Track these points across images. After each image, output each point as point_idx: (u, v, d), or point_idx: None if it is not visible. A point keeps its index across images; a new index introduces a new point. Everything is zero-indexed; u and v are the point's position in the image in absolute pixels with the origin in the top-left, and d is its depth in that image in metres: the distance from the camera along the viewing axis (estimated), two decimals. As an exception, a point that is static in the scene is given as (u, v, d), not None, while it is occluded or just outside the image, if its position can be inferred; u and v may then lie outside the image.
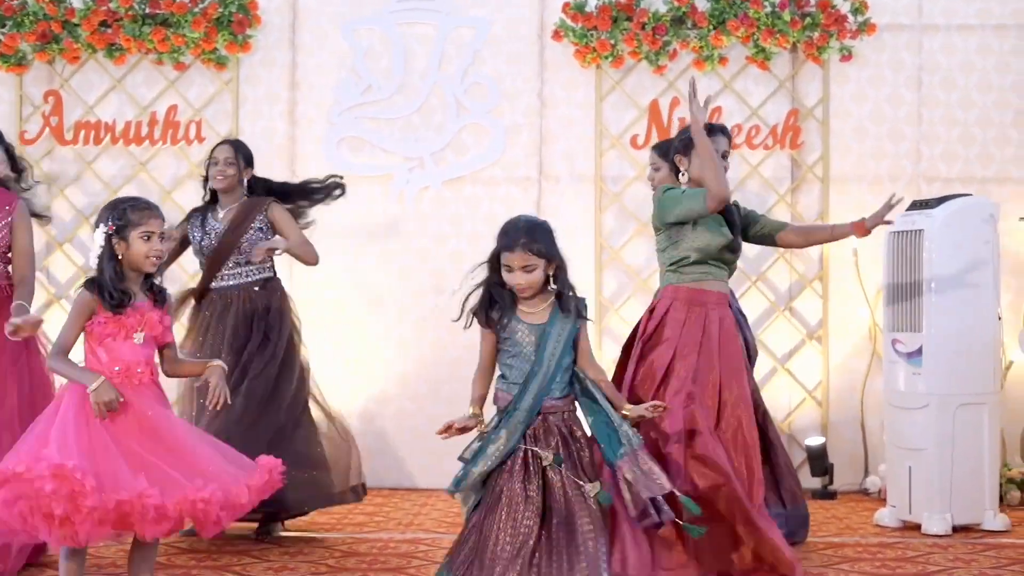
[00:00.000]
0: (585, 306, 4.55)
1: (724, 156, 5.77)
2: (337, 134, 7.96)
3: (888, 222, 5.67)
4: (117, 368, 4.42)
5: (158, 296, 4.57)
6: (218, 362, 4.62)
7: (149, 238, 4.49)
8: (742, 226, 5.62)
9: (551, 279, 4.48)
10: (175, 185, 7.89)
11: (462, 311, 4.52)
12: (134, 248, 4.48)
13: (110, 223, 4.49)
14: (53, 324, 7.87)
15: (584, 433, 4.51)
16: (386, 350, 7.93)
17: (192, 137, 7.93)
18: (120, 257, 4.49)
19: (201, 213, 6.45)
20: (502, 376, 4.52)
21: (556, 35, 7.81)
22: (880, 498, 7.39)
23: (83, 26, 7.77)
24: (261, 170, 7.72)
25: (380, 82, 7.97)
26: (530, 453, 4.37)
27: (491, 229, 7.81)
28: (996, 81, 7.87)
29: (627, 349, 5.37)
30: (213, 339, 6.20)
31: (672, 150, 5.54)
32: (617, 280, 7.93)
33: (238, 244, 6.26)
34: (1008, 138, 7.87)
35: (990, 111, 7.87)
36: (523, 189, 7.93)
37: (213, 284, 6.32)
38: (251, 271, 6.31)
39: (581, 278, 7.65)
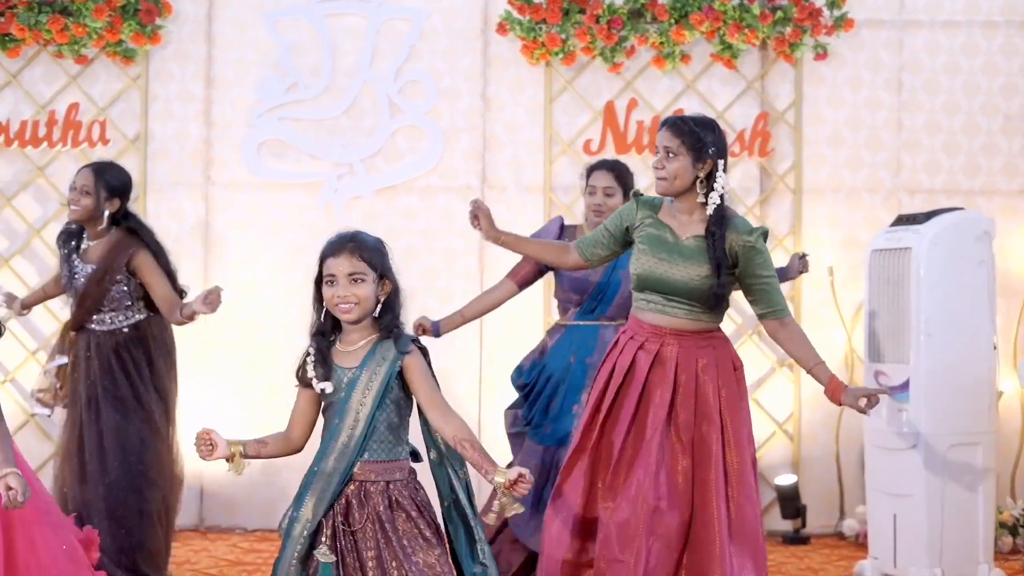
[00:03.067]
0: (409, 339, 3.66)
1: (608, 193, 5.40)
2: (258, 137, 7.18)
3: (874, 401, 4.35)
4: None
5: None
6: (8, 470, 3.62)
7: None
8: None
9: (379, 308, 3.64)
10: (75, 192, 7.07)
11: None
12: None
13: None
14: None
15: (424, 499, 3.63)
16: (311, 377, 7.14)
17: (96, 139, 7.13)
18: None
19: (73, 239, 5.69)
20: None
21: (501, 28, 7.05)
22: (859, 543, 6.70)
23: (-29, 14, 6.96)
24: (174, 176, 7.04)
25: (306, 80, 7.19)
26: (316, 555, 3.55)
27: (429, 244, 7.19)
28: (984, 84, 7.17)
29: None
30: (76, 382, 5.59)
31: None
32: (568, 301, 7.18)
33: (101, 299, 5.55)
34: (997, 147, 7.17)
35: (977, 117, 7.17)
36: (464, 199, 7.09)
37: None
38: (118, 317, 5.58)
39: (528, 300, 7.03)
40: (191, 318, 5.43)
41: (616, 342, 4.42)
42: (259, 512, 7.09)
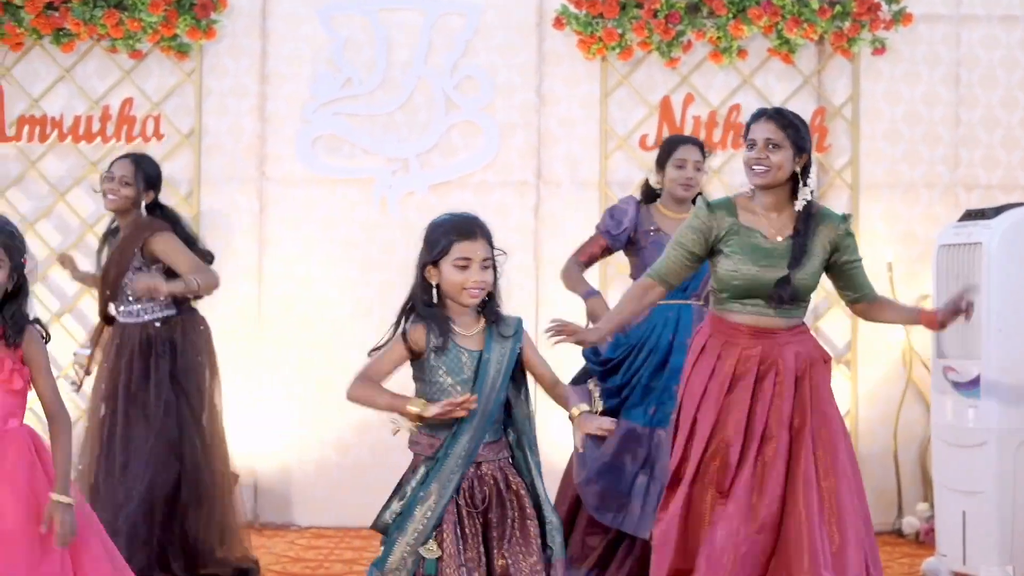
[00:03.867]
0: (517, 319, 3.70)
1: (698, 168, 5.43)
2: (312, 132, 7.14)
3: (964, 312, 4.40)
4: None
5: (8, 332, 3.65)
6: (65, 499, 3.61)
7: None
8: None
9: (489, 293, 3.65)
10: (130, 188, 7.03)
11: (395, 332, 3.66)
12: None
13: None
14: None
15: (521, 482, 3.63)
16: (365, 373, 7.10)
17: (150, 134, 7.09)
18: None
19: (112, 236, 5.70)
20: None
21: (557, 23, 7.01)
22: (918, 541, 6.65)
23: (26, 8, 6.91)
24: (227, 171, 7.00)
25: (360, 75, 7.15)
26: (421, 551, 3.50)
27: (483, 240, 7.15)
28: (1042, 78, 7.13)
29: None
30: (106, 375, 5.53)
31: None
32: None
33: (118, 286, 5.51)
34: (1054, 141, 7.13)
35: (1034, 111, 7.13)
36: (519, 194, 7.13)
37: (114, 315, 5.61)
38: (144, 309, 5.52)
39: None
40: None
41: (704, 347, 4.33)
42: (312, 509, 7.06)
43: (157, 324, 5.51)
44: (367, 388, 3.62)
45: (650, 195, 5.58)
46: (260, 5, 7.15)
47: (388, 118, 7.16)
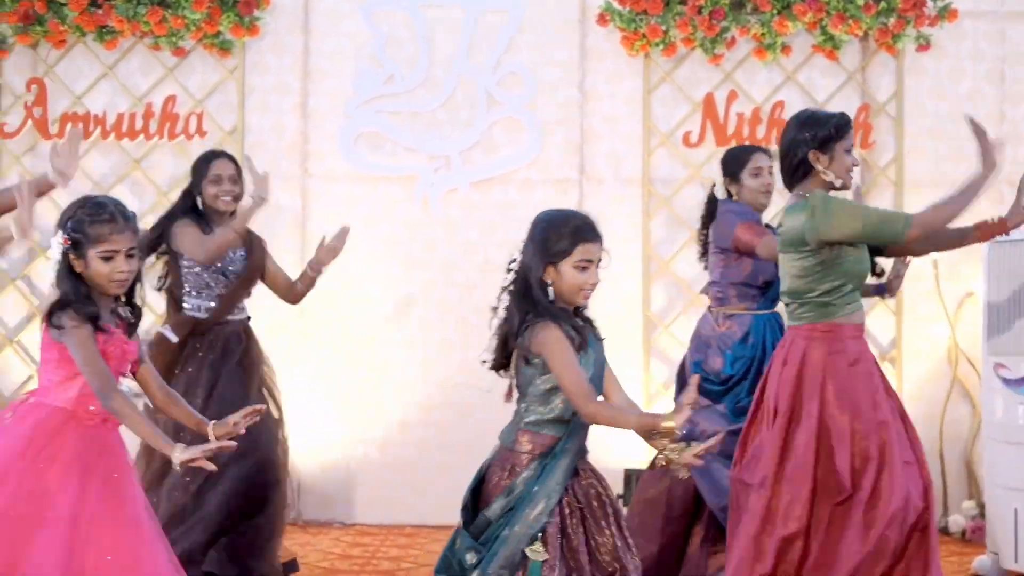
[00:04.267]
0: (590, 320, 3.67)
1: (771, 172, 5.30)
2: (354, 129, 7.13)
3: None
4: (92, 408, 3.61)
5: (131, 325, 3.72)
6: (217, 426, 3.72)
7: (111, 258, 3.62)
8: None
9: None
10: (173, 185, 7.02)
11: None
12: (93, 268, 3.63)
13: (65, 235, 3.64)
14: (34, 341, 7.07)
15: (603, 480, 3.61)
16: (407, 371, 7.09)
17: (192, 131, 7.09)
18: (80, 274, 3.65)
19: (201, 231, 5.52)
20: (535, 413, 3.54)
21: (601, 19, 6.99)
22: (965, 539, 6.61)
23: (70, 5, 6.92)
24: (270, 168, 6.93)
25: (402, 72, 7.14)
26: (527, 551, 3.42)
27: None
28: (1088, 75, 7.09)
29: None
30: (191, 371, 5.40)
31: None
32: (667, 294, 7.11)
33: (252, 285, 5.57)
34: (1100, 138, 7.08)
35: (1081, 108, 7.09)
36: (562, 192, 7.10)
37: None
38: (241, 308, 5.55)
39: (627, 291, 6.98)
40: (313, 280, 5.51)
41: (845, 350, 4.34)
42: (354, 507, 7.05)
43: (237, 322, 5.50)
44: (607, 409, 3.52)
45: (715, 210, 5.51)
46: (303, 1, 7.15)
47: (430, 115, 7.15)
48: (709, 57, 7.01)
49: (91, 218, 3.62)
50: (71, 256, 3.63)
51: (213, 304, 5.41)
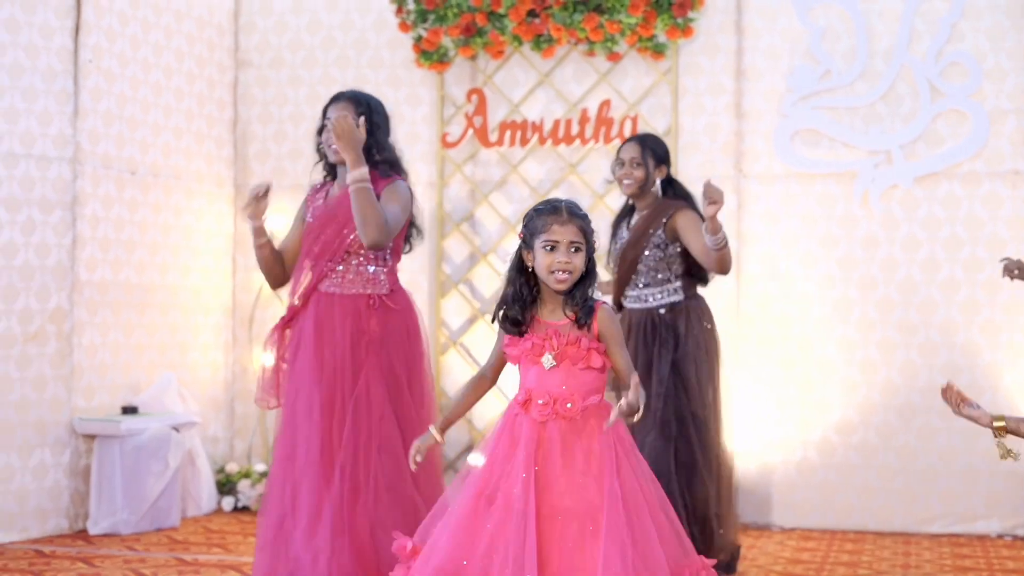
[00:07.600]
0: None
1: None
2: (790, 127, 7.01)
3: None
4: (541, 401, 3.63)
5: (580, 316, 3.70)
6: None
7: (552, 248, 3.66)
8: None
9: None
10: (608, 189, 7.11)
11: None
12: (537, 260, 3.69)
13: (521, 230, 3.75)
14: (475, 342, 7.33)
15: None
16: (847, 373, 6.92)
17: (627, 135, 7.12)
18: (531, 270, 3.72)
19: (624, 218, 5.73)
20: None
21: (1056, 2, 6.62)
22: None
23: (510, 16, 7.11)
24: (704, 169, 6.95)
25: (839, 66, 6.97)
26: None
27: (972, 233, 6.82)
28: None
29: None
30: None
31: None
32: None
33: (636, 263, 5.51)
34: None
35: None
36: (1010, 185, 6.76)
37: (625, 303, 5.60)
38: (651, 295, 5.51)
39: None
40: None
41: None
42: (794, 510, 6.92)
43: (662, 311, 5.51)
44: None
45: None
46: (735, 1, 7.08)
47: (869, 109, 6.94)
48: None
49: (539, 211, 3.73)
50: (523, 251, 3.72)
51: None
